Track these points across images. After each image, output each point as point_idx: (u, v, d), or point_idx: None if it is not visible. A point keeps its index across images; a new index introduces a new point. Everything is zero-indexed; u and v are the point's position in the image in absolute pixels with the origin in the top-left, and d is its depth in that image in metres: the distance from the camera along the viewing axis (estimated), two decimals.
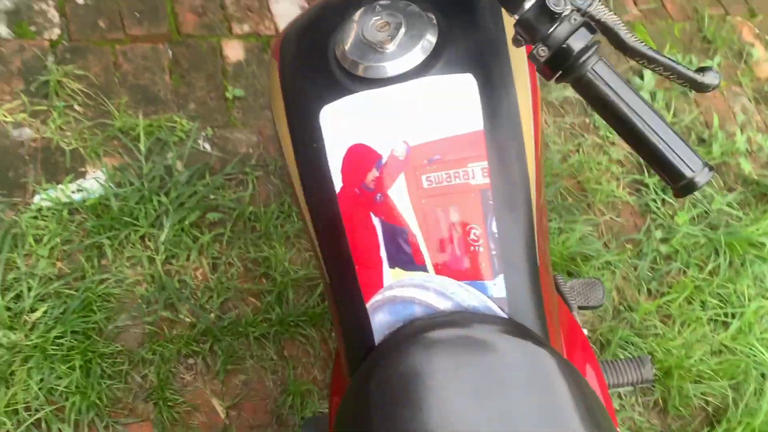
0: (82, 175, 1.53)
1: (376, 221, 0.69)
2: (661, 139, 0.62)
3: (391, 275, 0.70)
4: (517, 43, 0.64)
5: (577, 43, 0.61)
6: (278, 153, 1.64)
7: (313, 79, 0.75)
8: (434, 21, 0.73)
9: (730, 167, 2.09)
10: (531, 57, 0.63)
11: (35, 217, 1.44)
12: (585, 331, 1.05)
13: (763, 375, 1.73)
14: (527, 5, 0.62)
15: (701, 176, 0.61)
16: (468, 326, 0.67)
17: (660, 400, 1.67)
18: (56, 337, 1.33)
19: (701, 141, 2.12)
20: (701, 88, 0.67)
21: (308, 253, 1.58)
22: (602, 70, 0.63)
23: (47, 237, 1.43)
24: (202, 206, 1.54)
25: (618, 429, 0.77)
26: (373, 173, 0.69)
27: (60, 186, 1.48)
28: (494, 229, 0.69)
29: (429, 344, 0.65)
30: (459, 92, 0.70)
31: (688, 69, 0.66)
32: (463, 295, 0.68)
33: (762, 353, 1.74)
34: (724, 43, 2.32)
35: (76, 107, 1.59)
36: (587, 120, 2.02)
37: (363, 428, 0.63)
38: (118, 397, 1.36)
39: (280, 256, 1.54)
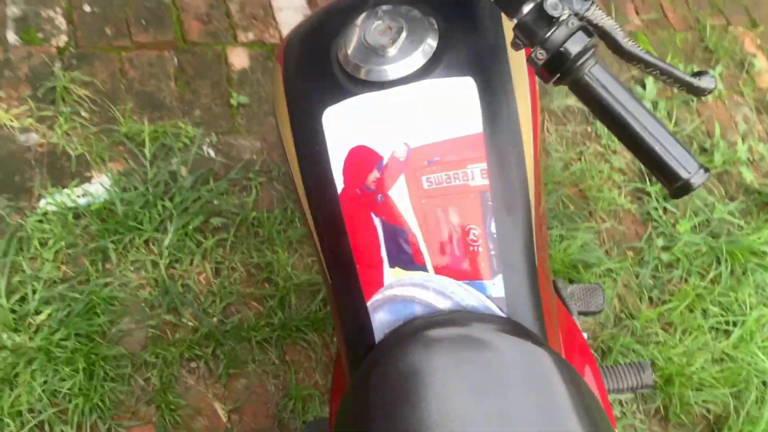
0: (88, 179, 1.54)
1: (376, 221, 0.70)
2: (658, 141, 0.63)
3: (391, 275, 0.71)
4: (515, 46, 0.66)
5: (574, 47, 0.62)
6: (281, 158, 1.66)
7: (316, 82, 0.76)
8: (435, 26, 0.74)
9: (732, 176, 2.10)
10: (529, 60, 0.64)
11: (41, 221, 1.46)
12: (585, 335, 1.06)
13: (764, 383, 1.73)
14: (526, 9, 0.64)
15: (697, 177, 0.62)
16: (467, 325, 0.68)
17: (661, 408, 1.67)
18: (60, 340, 1.34)
19: (703, 150, 2.13)
20: (697, 92, 0.68)
21: (311, 259, 1.59)
22: (599, 73, 0.64)
23: (52, 241, 1.44)
24: (205, 211, 1.55)
25: (616, 430, 0.78)
26: (374, 174, 0.70)
27: (65, 190, 1.50)
28: (493, 229, 0.70)
29: (428, 343, 0.66)
30: (459, 95, 0.71)
31: (685, 73, 0.67)
32: (462, 294, 0.69)
33: (763, 361, 1.74)
34: (726, 53, 2.34)
35: (83, 113, 1.61)
36: (589, 128, 2.03)
37: (363, 425, 0.64)
38: (120, 399, 1.36)
39: (283, 261, 1.55)
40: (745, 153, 2.12)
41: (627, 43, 0.65)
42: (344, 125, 0.72)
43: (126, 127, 1.60)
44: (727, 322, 1.81)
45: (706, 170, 0.63)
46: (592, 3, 0.65)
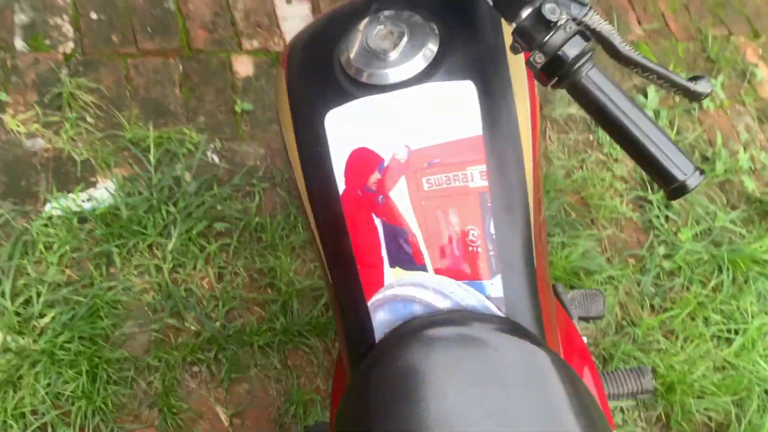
0: (93, 184, 1.56)
1: (377, 222, 0.72)
2: (654, 143, 0.64)
3: (391, 274, 0.72)
4: (514, 50, 0.67)
5: (571, 50, 0.63)
6: (285, 163, 1.67)
7: (319, 85, 0.77)
8: (436, 31, 0.75)
9: (734, 185, 2.10)
10: (528, 63, 0.65)
11: (46, 225, 1.47)
12: (585, 340, 1.06)
13: (766, 391, 1.73)
14: (524, 14, 0.65)
15: (692, 179, 0.63)
16: (466, 324, 0.68)
17: (663, 416, 1.67)
18: (64, 343, 1.35)
19: (705, 159, 2.13)
20: (694, 96, 0.69)
21: (313, 264, 1.60)
22: (596, 77, 0.65)
23: (57, 244, 1.45)
24: (209, 216, 1.56)
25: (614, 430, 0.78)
26: (375, 176, 0.72)
27: (71, 195, 1.51)
28: (492, 230, 0.71)
29: (428, 341, 0.67)
30: (459, 98, 0.72)
31: (681, 77, 0.68)
32: (461, 294, 0.70)
33: (765, 370, 1.74)
34: (728, 63, 2.35)
35: (88, 119, 1.63)
36: (591, 137, 2.04)
37: (363, 423, 0.65)
38: (123, 402, 1.37)
39: (286, 266, 1.56)
40: (747, 162, 2.13)
41: (624, 48, 0.66)
42: (346, 128, 0.73)
43: (131, 132, 1.62)
44: (728, 331, 1.81)
45: (702, 172, 0.64)
46: (590, 8, 0.66)
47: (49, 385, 1.32)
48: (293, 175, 0.80)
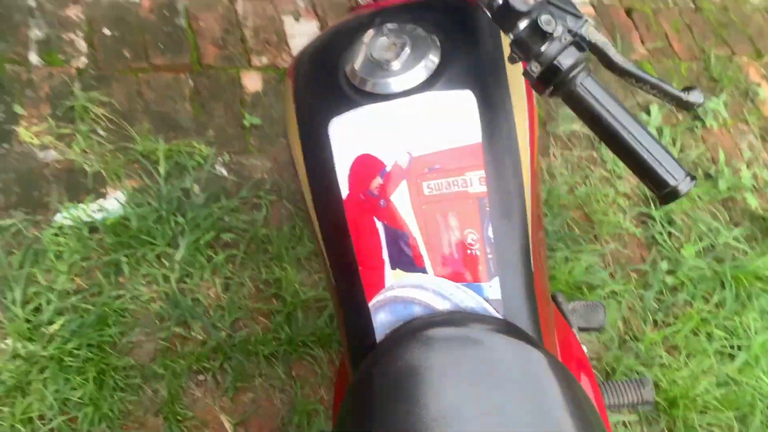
0: (103, 195, 1.59)
1: (379, 225, 0.74)
2: (647, 149, 0.67)
3: (392, 276, 0.74)
4: (512, 60, 0.69)
5: (566, 60, 0.66)
6: (291, 171, 1.70)
7: (324, 94, 0.80)
8: (437, 42, 0.78)
9: (737, 202, 2.12)
10: (525, 73, 0.68)
11: (56, 235, 1.50)
12: (584, 349, 1.08)
13: None
14: (521, 26, 0.68)
15: (684, 185, 0.65)
16: (465, 325, 0.70)
17: (665, 431, 1.67)
18: (72, 349, 1.37)
19: (708, 176, 2.15)
20: (686, 106, 0.71)
21: (318, 275, 1.62)
22: (591, 86, 0.67)
23: (67, 253, 1.48)
24: (216, 227, 1.59)
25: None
26: (378, 181, 0.74)
27: (81, 205, 1.54)
28: (490, 234, 0.73)
29: (427, 342, 0.69)
30: (459, 107, 0.75)
31: (674, 88, 0.70)
32: (460, 296, 0.72)
33: None
34: (731, 83, 2.37)
35: (100, 131, 1.66)
36: (594, 153, 2.06)
37: (363, 422, 0.67)
38: (129, 410, 1.39)
39: (291, 277, 1.58)
40: (750, 180, 2.15)
41: (618, 58, 0.69)
42: (350, 134, 0.76)
43: (142, 145, 1.65)
44: (731, 346, 1.82)
45: (693, 178, 0.66)
46: (585, 21, 0.69)
47: (57, 391, 1.34)
48: (298, 179, 0.82)
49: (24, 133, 1.59)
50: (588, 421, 0.66)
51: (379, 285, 0.74)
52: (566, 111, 2.04)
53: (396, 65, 0.76)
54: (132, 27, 1.83)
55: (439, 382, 0.66)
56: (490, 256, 0.73)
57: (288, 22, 2.01)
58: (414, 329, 0.71)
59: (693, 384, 1.70)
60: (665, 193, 0.66)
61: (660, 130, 2.16)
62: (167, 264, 1.53)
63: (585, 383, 0.95)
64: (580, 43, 0.67)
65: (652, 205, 2.00)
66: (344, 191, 0.76)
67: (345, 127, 0.76)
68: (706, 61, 2.41)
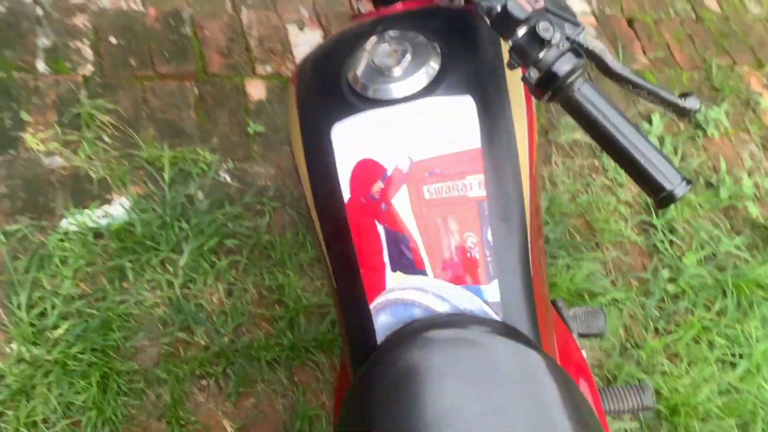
0: (108, 201, 1.60)
1: (380, 228, 0.75)
2: (643, 154, 0.68)
3: (393, 279, 0.75)
4: (511, 66, 0.71)
5: (563, 67, 0.67)
6: (294, 177, 1.71)
7: (327, 100, 0.81)
8: (438, 49, 0.80)
9: (738, 211, 2.13)
10: (523, 79, 0.69)
11: (62, 240, 1.51)
12: (584, 353, 1.08)
13: None
14: (520, 33, 0.69)
15: (680, 189, 0.66)
16: (464, 327, 0.71)
17: None
18: (76, 354, 1.38)
19: (709, 185, 2.16)
20: (683, 112, 0.73)
21: (320, 282, 1.63)
22: (588, 92, 0.69)
23: (72, 259, 1.49)
24: (220, 233, 1.60)
25: None
26: (379, 185, 0.75)
27: (87, 211, 1.56)
28: (489, 237, 0.74)
29: (427, 343, 0.70)
30: (459, 112, 0.76)
31: (671, 94, 0.72)
32: (459, 298, 0.73)
33: None
34: (732, 92, 2.39)
35: (105, 138, 1.68)
36: (596, 162, 2.07)
37: (364, 421, 0.68)
38: (132, 414, 1.40)
39: (294, 283, 1.59)
40: (751, 188, 2.15)
41: (615, 64, 0.70)
42: (352, 139, 0.77)
43: (147, 152, 1.67)
44: (733, 354, 1.82)
45: (689, 182, 0.67)
46: (583, 28, 0.70)
47: (61, 395, 1.35)
48: (301, 184, 0.84)
49: (30, 139, 1.61)
50: (585, 421, 0.67)
51: (380, 287, 0.75)
52: (568, 120, 2.05)
53: (397, 71, 0.78)
54: (138, 36, 1.85)
55: (438, 382, 0.66)
56: (489, 259, 0.74)
57: (292, 31, 2.03)
58: (414, 331, 0.72)
59: (694, 392, 1.70)
60: (662, 197, 0.67)
61: (662, 139, 2.17)
62: (171, 269, 1.55)
63: (584, 388, 0.96)
64: (577, 49, 0.69)
65: (653, 213, 2.01)
66: (346, 195, 0.77)
67: (347, 132, 0.78)
68: (707, 71, 2.42)
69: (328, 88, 0.82)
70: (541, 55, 0.68)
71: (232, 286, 1.58)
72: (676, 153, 2.15)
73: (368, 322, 0.76)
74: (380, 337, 0.75)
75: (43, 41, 1.76)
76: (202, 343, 1.50)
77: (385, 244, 0.75)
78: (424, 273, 0.74)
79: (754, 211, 2.11)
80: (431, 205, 0.74)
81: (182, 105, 1.80)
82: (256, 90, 1.89)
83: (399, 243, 0.74)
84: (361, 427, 0.68)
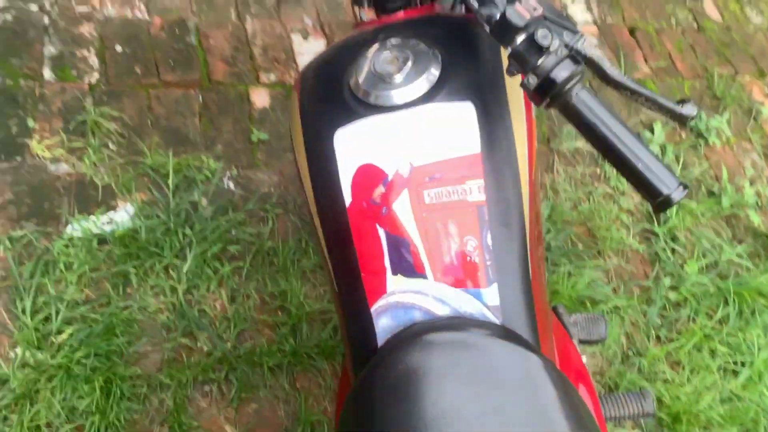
0: (113, 208, 1.61)
1: (381, 232, 0.76)
2: (641, 159, 0.69)
3: (394, 282, 0.76)
4: (510, 73, 0.72)
5: (562, 73, 0.68)
6: (296, 182, 1.72)
7: (329, 106, 0.83)
8: (438, 56, 0.81)
9: (740, 219, 2.13)
10: (522, 85, 0.70)
11: (66, 246, 1.52)
12: (584, 359, 1.09)
13: None
14: (519, 40, 0.70)
15: (677, 193, 0.67)
16: (463, 330, 0.72)
17: None
18: (80, 358, 1.39)
19: (711, 193, 2.17)
20: (681, 119, 0.73)
21: (323, 288, 1.64)
22: (586, 98, 0.70)
23: (77, 264, 1.50)
24: (223, 240, 1.62)
25: None
26: (380, 189, 0.76)
27: (91, 217, 1.57)
28: (489, 241, 0.75)
29: (427, 346, 0.71)
30: (459, 118, 0.77)
31: (668, 100, 0.73)
32: (459, 301, 0.74)
33: None
34: (734, 101, 2.39)
35: (111, 145, 1.69)
36: (598, 170, 2.08)
37: (365, 422, 0.68)
38: (135, 419, 1.41)
39: (296, 290, 1.60)
40: (753, 197, 2.16)
41: (613, 71, 0.71)
42: (353, 145, 0.78)
43: (151, 159, 1.68)
44: (735, 363, 1.82)
45: (686, 187, 0.68)
46: (581, 35, 0.72)
47: (64, 399, 1.36)
48: (304, 190, 0.85)
49: (36, 146, 1.62)
50: (584, 423, 0.67)
51: (381, 290, 0.76)
52: (569, 128, 2.06)
53: (398, 78, 0.79)
54: (143, 44, 1.87)
55: (438, 384, 0.67)
56: (488, 262, 0.75)
57: (296, 40, 2.04)
58: (414, 334, 0.73)
59: (696, 400, 1.70)
60: (659, 202, 0.68)
61: (663, 148, 2.18)
62: (174, 275, 1.56)
63: (584, 393, 0.96)
64: (575, 56, 0.70)
65: (655, 221, 2.02)
66: (348, 199, 0.78)
67: (349, 137, 0.79)
68: (709, 80, 2.43)
69: (331, 95, 0.83)
70: (539, 61, 0.69)
71: (235, 292, 1.59)
72: (677, 161, 2.16)
73: (369, 326, 0.77)
74: (381, 340, 0.76)
75: (50, 49, 1.78)
76: (205, 348, 1.51)
77: (386, 248, 0.76)
78: (424, 276, 0.75)
79: (756, 219, 2.11)
80: (432, 210, 0.75)
81: (187, 113, 1.81)
82: (260, 98, 1.91)
83: (400, 247, 0.75)
84: (362, 428, 0.69)
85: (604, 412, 1.14)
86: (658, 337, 1.83)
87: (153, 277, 1.54)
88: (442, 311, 0.75)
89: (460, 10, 0.98)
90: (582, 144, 2.08)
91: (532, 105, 0.84)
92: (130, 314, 1.48)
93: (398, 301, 0.75)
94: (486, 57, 0.82)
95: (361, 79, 0.81)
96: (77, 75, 1.77)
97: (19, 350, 1.39)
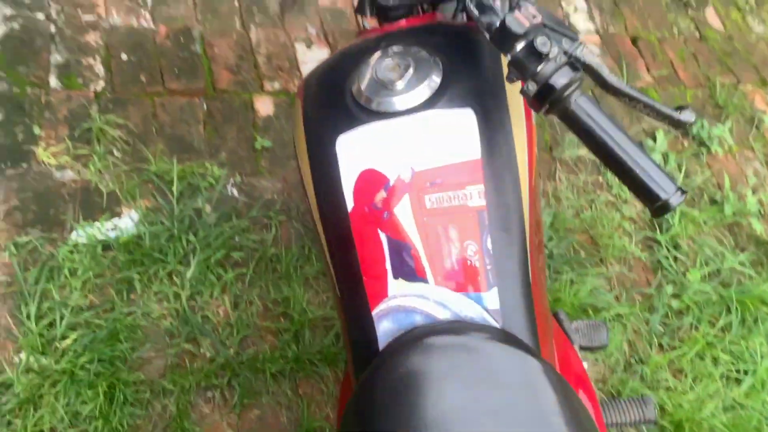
0: (118, 214, 1.63)
1: (382, 237, 0.77)
2: (639, 165, 0.70)
3: (395, 286, 0.77)
4: (510, 79, 0.73)
5: (560, 80, 0.69)
6: (299, 188, 1.73)
7: (332, 112, 0.84)
8: (440, 63, 0.82)
9: (742, 228, 2.13)
10: (522, 92, 0.71)
11: (71, 252, 1.53)
12: (585, 366, 1.09)
13: None
14: (518, 47, 0.71)
15: (674, 198, 0.68)
16: (463, 334, 0.73)
17: None
18: (84, 364, 1.40)
19: (713, 202, 2.17)
20: (679, 125, 0.74)
21: (325, 295, 1.65)
22: (585, 104, 0.71)
23: (81, 270, 1.51)
24: (227, 246, 1.63)
25: None
26: (381, 194, 0.77)
27: (96, 224, 1.58)
28: (489, 245, 0.76)
29: (428, 349, 0.71)
30: (460, 124, 0.78)
31: (666, 107, 0.74)
32: (460, 305, 0.75)
33: None
34: (736, 110, 2.40)
35: (116, 152, 1.71)
36: (600, 178, 2.09)
37: (366, 424, 0.69)
38: (138, 424, 1.41)
39: (299, 296, 1.61)
40: (756, 205, 2.16)
41: (611, 78, 0.72)
42: (356, 150, 0.79)
43: (156, 166, 1.69)
44: (738, 371, 1.82)
45: (684, 192, 0.69)
46: (580, 43, 0.73)
47: (68, 404, 1.37)
48: (307, 196, 0.86)
49: (42, 153, 1.64)
50: (583, 425, 0.68)
51: (382, 294, 0.77)
52: (572, 137, 2.07)
53: (400, 85, 0.80)
54: (149, 53, 1.88)
55: (438, 386, 0.68)
56: (488, 267, 0.76)
57: (300, 49, 2.06)
58: (415, 337, 0.73)
59: (699, 408, 1.70)
60: (657, 207, 0.69)
61: (666, 156, 2.18)
62: (178, 282, 1.57)
63: (584, 399, 0.97)
64: (574, 63, 0.71)
65: (657, 229, 2.02)
66: (350, 204, 0.79)
67: (351, 143, 0.80)
68: (711, 89, 2.44)
69: (333, 101, 0.84)
70: (538, 68, 0.70)
71: (238, 298, 1.60)
72: (680, 170, 2.16)
73: (371, 329, 0.77)
74: (382, 344, 0.77)
75: (56, 58, 1.80)
76: (208, 354, 1.51)
77: (387, 252, 0.77)
78: (425, 280, 0.76)
79: (759, 227, 2.12)
80: (432, 214, 0.76)
81: (191, 120, 1.83)
82: (264, 106, 1.92)
83: (401, 251, 0.76)
84: (363, 430, 0.69)
85: (606, 419, 1.14)
86: (660, 345, 1.83)
87: (157, 283, 1.55)
88: (442, 315, 0.75)
89: (462, 18, 0.99)
90: (584, 152, 2.09)
91: (532, 112, 0.85)
92: (134, 320, 1.49)
93: (399, 304, 0.76)
94: (486, 64, 0.83)
95: (363, 86, 0.82)
96: (83, 83, 1.78)
97: (23, 355, 1.40)
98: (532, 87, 0.70)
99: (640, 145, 0.71)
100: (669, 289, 1.90)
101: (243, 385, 1.50)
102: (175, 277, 1.57)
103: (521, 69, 0.71)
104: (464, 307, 0.75)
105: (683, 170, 2.16)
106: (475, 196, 0.76)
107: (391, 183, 0.77)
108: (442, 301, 0.75)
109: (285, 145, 1.85)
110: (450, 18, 0.98)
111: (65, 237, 1.56)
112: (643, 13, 2.55)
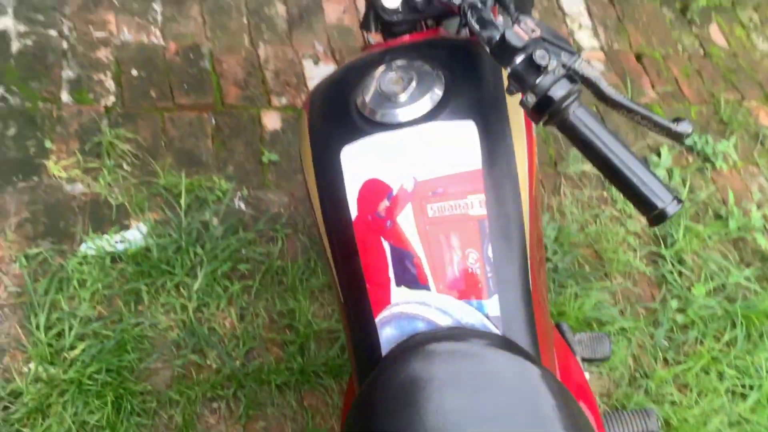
0: (126, 227, 1.65)
1: (385, 245, 0.79)
2: (636, 174, 0.71)
3: (398, 293, 0.78)
4: (510, 92, 0.75)
5: (559, 92, 0.71)
6: (305, 201, 1.75)
7: (336, 124, 0.86)
8: (442, 77, 0.84)
9: (747, 243, 2.14)
10: (521, 103, 0.73)
11: (80, 263, 1.56)
12: (587, 376, 1.10)
13: None
14: (518, 60, 0.73)
15: (671, 207, 0.70)
16: (465, 341, 0.74)
17: None
18: (92, 374, 1.41)
19: (718, 217, 2.18)
20: (676, 136, 0.76)
21: (331, 307, 1.66)
22: (583, 116, 0.72)
23: (90, 282, 1.53)
24: (233, 259, 1.64)
25: None
26: (385, 203, 0.79)
27: (105, 236, 1.60)
28: (490, 254, 0.77)
29: (429, 355, 0.73)
30: (461, 136, 0.80)
31: (664, 119, 0.75)
32: (461, 312, 0.76)
33: None
34: (740, 126, 2.41)
35: (125, 166, 1.73)
36: (605, 193, 2.10)
37: (368, 428, 0.70)
38: None
39: (305, 309, 1.62)
40: (760, 220, 2.17)
41: (609, 90, 0.74)
42: (360, 161, 0.81)
43: (165, 180, 1.72)
44: (743, 386, 1.82)
45: (680, 201, 0.70)
46: (578, 56, 0.75)
47: (75, 414, 1.38)
48: (312, 206, 0.88)
49: (53, 167, 1.66)
50: (579, 428, 0.69)
51: (385, 301, 0.78)
52: (576, 152, 2.08)
53: (403, 97, 0.82)
54: (158, 68, 1.92)
55: (439, 392, 0.69)
56: (489, 275, 0.77)
57: (307, 65, 2.09)
58: (417, 344, 0.75)
59: (704, 422, 1.70)
60: (654, 215, 0.70)
61: (670, 171, 2.20)
62: (185, 293, 1.58)
63: (585, 409, 0.97)
64: (572, 75, 0.73)
65: (662, 244, 2.03)
66: (353, 213, 0.81)
67: (355, 154, 0.82)
68: (715, 105, 2.46)
69: (338, 113, 0.86)
70: (537, 80, 0.72)
71: (244, 310, 1.61)
72: (684, 185, 2.17)
73: (374, 335, 0.79)
74: (385, 350, 0.78)
75: (68, 73, 1.83)
76: (214, 366, 1.53)
77: (390, 260, 0.78)
78: (427, 288, 0.77)
79: (764, 243, 2.12)
80: (434, 223, 0.78)
81: (200, 135, 1.86)
82: (272, 121, 1.95)
83: (404, 259, 0.78)
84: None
85: (608, 430, 1.14)
86: (665, 360, 1.83)
87: (164, 294, 1.57)
88: (444, 322, 0.77)
89: (465, 34, 1.01)
90: (589, 168, 2.10)
91: (533, 123, 0.87)
92: (142, 331, 1.51)
93: (402, 311, 0.78)
94: (487, 78, 0.85)
95: (367, 98, 0.84)
96: (94, 98, 1.82)
97: (32, 365, 1.42)
98: (531, 99, 0.72)
99: (637, 156, 0.72)
100: (674, 303, 1.91)
101: (248, 396, 1.51)
102: (182, 289, 1.59)
103: (520, 81, 0.73)
104: (465, 314, 0.76)
105: (688, 185, 2.17)
106: (476, 205, 0.78)
107: (394, 192, 0.79)
108: (443, 308, 0.77)
109: (292, 159, 1.88)
110: (454, 34, 1.00)
111: (75, 249, 1.58)
112: (647, 30, 2.58)
